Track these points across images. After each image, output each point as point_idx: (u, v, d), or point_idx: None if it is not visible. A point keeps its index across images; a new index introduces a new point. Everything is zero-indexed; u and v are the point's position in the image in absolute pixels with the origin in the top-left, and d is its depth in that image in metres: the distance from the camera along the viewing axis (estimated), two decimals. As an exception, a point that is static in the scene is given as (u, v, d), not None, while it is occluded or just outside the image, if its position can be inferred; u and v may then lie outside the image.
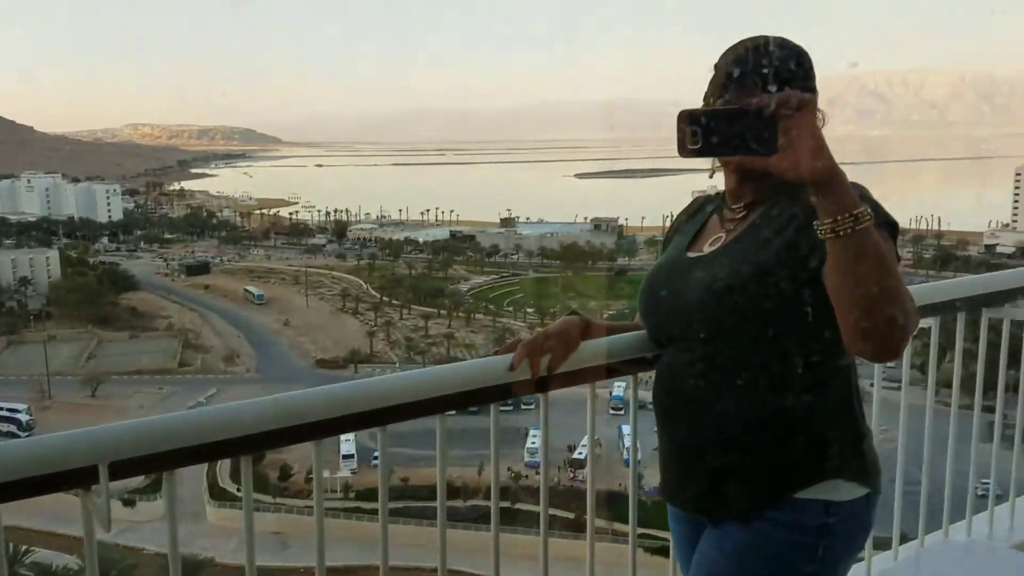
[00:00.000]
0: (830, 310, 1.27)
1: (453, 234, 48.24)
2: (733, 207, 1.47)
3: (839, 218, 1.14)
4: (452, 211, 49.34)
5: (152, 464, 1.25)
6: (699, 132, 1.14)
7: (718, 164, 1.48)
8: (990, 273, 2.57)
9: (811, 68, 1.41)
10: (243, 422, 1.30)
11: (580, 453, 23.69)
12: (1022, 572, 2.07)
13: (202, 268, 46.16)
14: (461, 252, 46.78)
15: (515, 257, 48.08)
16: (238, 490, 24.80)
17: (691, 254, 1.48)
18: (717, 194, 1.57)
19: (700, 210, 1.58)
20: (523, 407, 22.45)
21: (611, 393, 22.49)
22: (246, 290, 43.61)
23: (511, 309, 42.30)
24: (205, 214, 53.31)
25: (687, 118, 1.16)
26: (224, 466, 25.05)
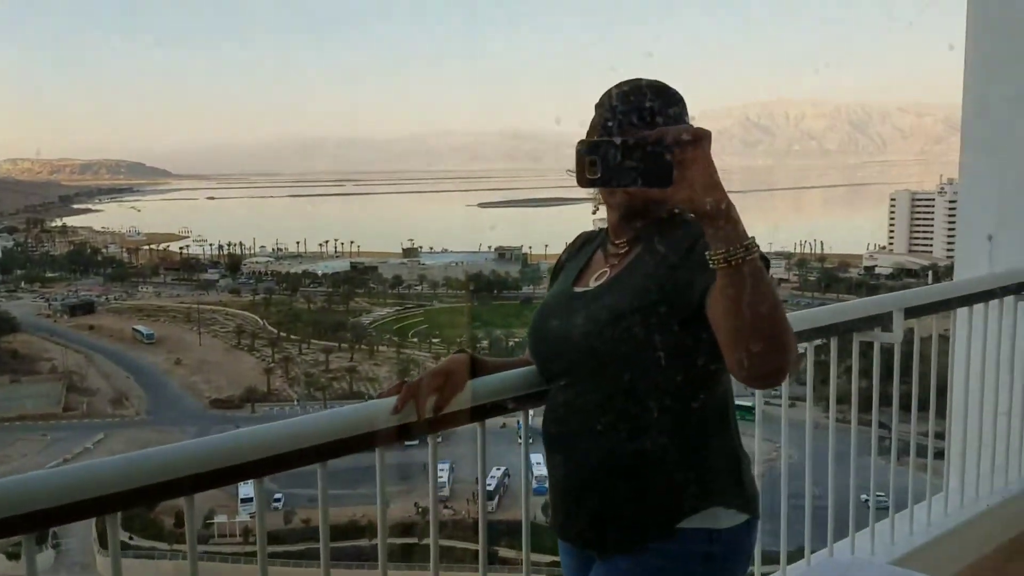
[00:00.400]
0: (709, 341, 1.31)
1: (354, 266, 47.52)
2: (616, 242, 1.50)
3: (731, 248, 1.16)
4: (352, 242, 48.57)
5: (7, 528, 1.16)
6: (598, 163, 1.17)
7: (600, 200, 1.52)
8: (858, 300, 2.73)
9: (685, 108, 1.47)
10: (106, 480, 1.23)
11: (489, 485, 23.65)
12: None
13: (87, 307, 43.98)
14: (362, 284, 46.11)
15: (419, 288, 47.76)
16: (130, 538, 23.74)
17: (577, 289, 1.52)
18: (601, 230, 1.60)
19: (585, 245, 1.61)
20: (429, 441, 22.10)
21: (518, 423, 22.60)
22: (135, 329, 41.75)
23: (416, 340, 41.92)
24: (89, 251, 50.82)
25: (587, 149, 1.18)
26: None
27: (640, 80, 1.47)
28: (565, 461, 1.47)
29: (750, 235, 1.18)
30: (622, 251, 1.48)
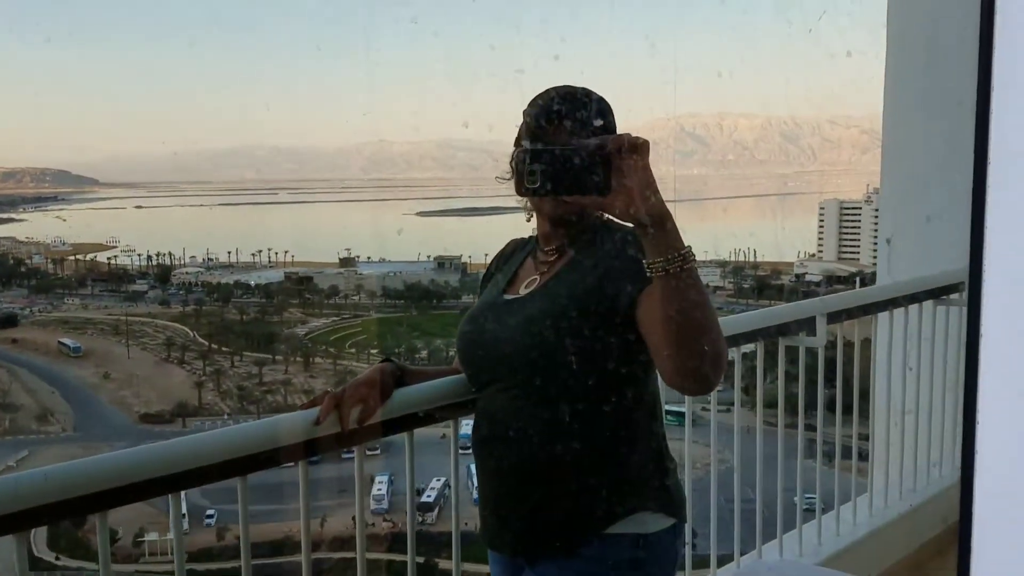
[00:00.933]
0: (637, 347, 1.34)
1: (288, 276, 46.84)
2: (545, 249, 1.52)
3: (669, 256, 1.18)
4: (287, 252, 47.83)
5: None
6: (537, 171, 1.18)
7: (532, 208, 1.52)
8: (783, 305, 2.85)
9: (612, 115, 1.48)
10: (6, 499, 1.17)
11: (429, 496, 23.45)
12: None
13: (9, 320, 42.36)
14: (297, 294, 45.47)
15: (356, 298, 47.31)
16: (56, 558, 22.89)
17: (507, 296, 1.53)
18: (531, 237, 1.62)
19: (516, 253, 1.62)
20: (368, 452, 21.74)
21: (460, 432, 22.46)
22: (60, 342, 40.37)
23: (353, 351, 41.47)
24: (12, 262, 48.99)
25: (525, 158, 1.20)
26: (39, 534, 22.97)
27: (569, 87, 1.47)
28: (494, 469, 1.47)
29: (686, 244, 1.19)
30: (552, 258, 1.50)
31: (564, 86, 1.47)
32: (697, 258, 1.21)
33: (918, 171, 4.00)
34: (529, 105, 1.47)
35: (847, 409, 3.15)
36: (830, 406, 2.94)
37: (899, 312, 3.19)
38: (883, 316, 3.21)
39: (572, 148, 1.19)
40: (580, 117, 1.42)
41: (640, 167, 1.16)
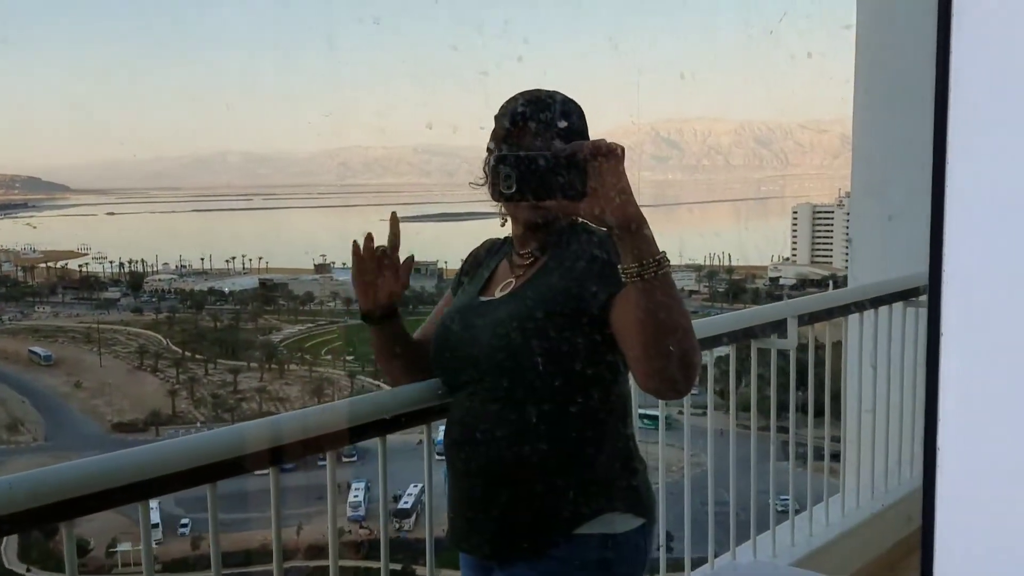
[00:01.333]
0: (609, 350, 1.35)
1: (263, 283, 46.48)
2: (521, 253, 1.53)
3: (644, 262, 1.18)
4: (261, 258, 47.50)
5: None
6: (513, 176, 1.18)
7: (506, 214, 1.54)
8: (755, 307, 2.86)
9: (584, 119, 1.49)
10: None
11: (406, 503, 23.32)
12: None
13: (-23, 329, 41.62)
14: (272, 301, 45.14)
15: (332, 304, 47.07)
16: (28, 570, 22.53)
17: (483, 298, 1.53)
18: (505, 239, 1.62)
19: (490, 255, 1.62)
20: (344, 460, 21.77)
21: (436, 439, 22.33)
22: (31, 351, 39.74)
23: (329, 358, 41.24)
24: (-20, 270, 48.16)
25: (501, 163, 1.19)
26: (10, 545, 22.64)
27: (540, 91, 1.48)
28: (464, 471, 1.48)
29: (661, 249, 1.19)
30: (527, 262, 1.51)
31: (535, 90, 1.47)
32: (671, 263, 1.20)
33: (884, 172, 4.06)
34: (501, 109, 1.47)
35: (820, 411, 3.15)
36: (803, 408, 2.95)
37: (868, 314, 3.23)
38: (853, 318, 3.26)
39: (547, 153, 1.19)
40: (552, 121, 1.41)
41: (615, 172, 1.16)
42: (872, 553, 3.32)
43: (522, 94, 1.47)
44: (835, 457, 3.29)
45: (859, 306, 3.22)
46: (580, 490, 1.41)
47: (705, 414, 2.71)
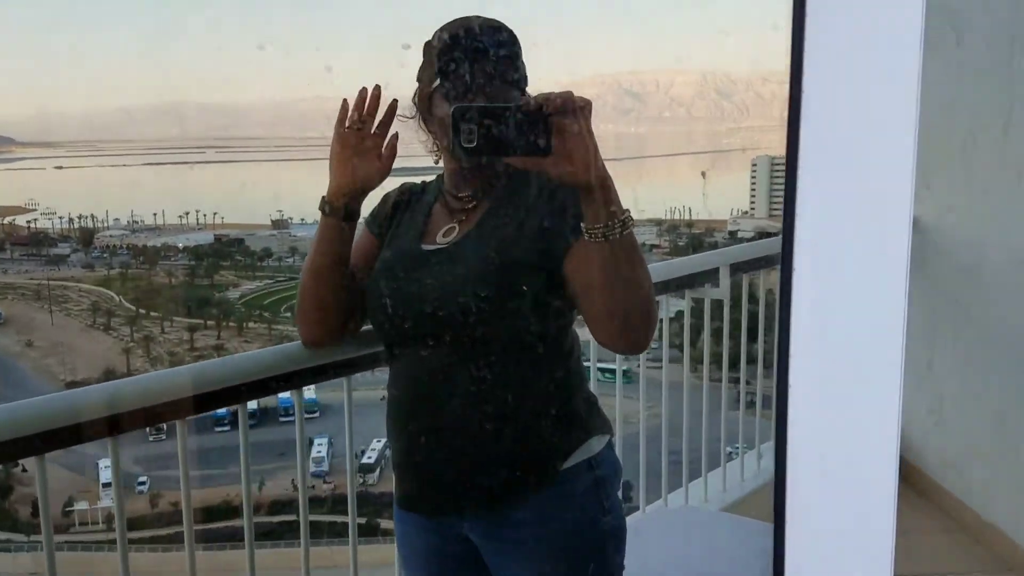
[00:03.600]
0: (565, 297, 1.34)
1: (218, 238, 46.04)
2: (460, 196, 1.46)
3: (610, 223, 1.16)
4: (216, 213, 46.92)
5: None
6: (475, 130, 1.12)
7: (439, 152, 1.47)
8: (686, 257, 2.97)
9: (520, 51, 1.41)
10: None
11: (369, 457, 23.49)
12: (725, 530, 2.31)
13: (-78, 288, 40.79)
14: (228, 257, 44.77)
15: (290, 260, 46.90)
16: (-27, 531, 22.34)
17: (427, 246, 1.45)
18: (426, 183, 1.57)
19: (415, 198, 1.55)
20: (306, 416, 21.52)
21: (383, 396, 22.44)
22: (-21, 310, 39.09)
23: (288, 315, 41.15)
24: (-77, 226, 47.11)
25: (462, 115, 1.13)
26: None
27: (481, 18, 1.37)
28: (430, 429, 1.43)
29: (625, 208, 1.19)
30: (469, 206, 1.44)
31: (476, 17, 1.37)
32: (634, 218, 1.20)
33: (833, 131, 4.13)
34: (435, 37, 1.38)
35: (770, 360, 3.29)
36: (752, 359, 3.14)
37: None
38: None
39: (512, 107, 1.13)
40: (506, 57, 1.35)
41: (582, 128, 1.12)
42: None
43: (465, 22, 1.36)
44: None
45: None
46: (562, 427, 1.43)
47: (661, 367, 2.77)
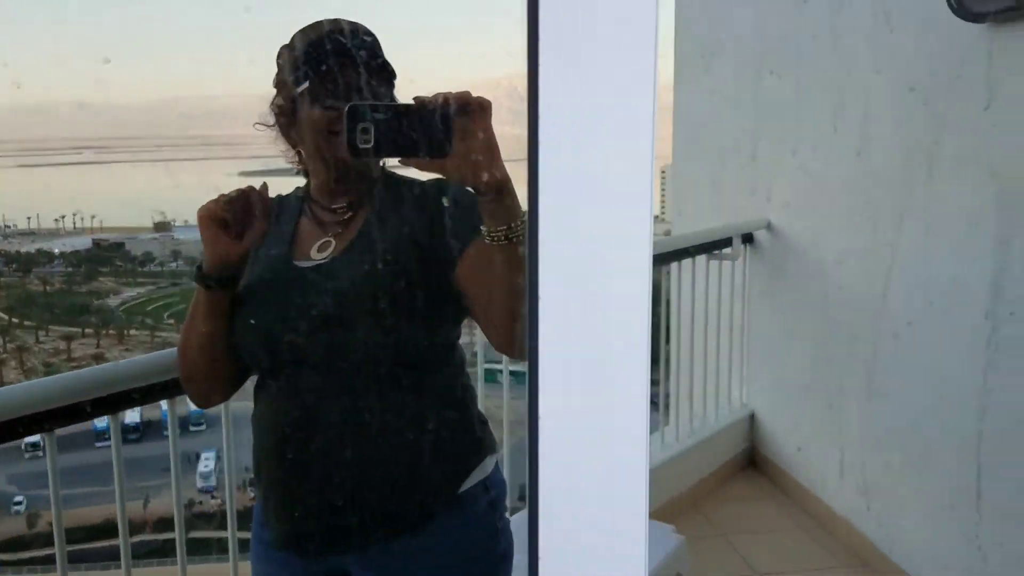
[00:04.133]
0: (454, 305, 1.30)
1: (97, 243, 43.80)
2: (334, 208, 1.38)
3: (512, 225, 1.13)
4: (94, 217, 44.60)
5: None
6: (371, 130, 1.06)
7: (302, 162, 1.40)
8: None
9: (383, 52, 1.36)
10: None
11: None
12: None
13: None
14: (108, 262, 42.61)
15: (174, 265, 44.99)
16: None
17: (300, 263, 1.36)
18: (286, 196, 1.47)
19: (274, 213, 1.41)
20: (192, 429, 20.69)
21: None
22: None
23: (172, 322, 39.53)
24: None
25: (356, 115, 1.07)
26: None
27: (338, 21, 1.32)
28: (312, 460, 1.33)
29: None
30: (345, 216, 1.37)
31: (332, 19, 1.31)
32: None
33: (703, 135, 4.37)
34: (296, 38, 1.30)
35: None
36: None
37: (687, 263, 3.58)
38: (673, 267, 3.59)
39: (412, 105, 1.08)
40: (373, 55, 1.30)
41: (483, 129, 1.08)
42: (679, 487, 3.59)
43: (322, 23, 1.31)
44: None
45: (678, 255, 3.49)
46: (458, 448, 1.39)
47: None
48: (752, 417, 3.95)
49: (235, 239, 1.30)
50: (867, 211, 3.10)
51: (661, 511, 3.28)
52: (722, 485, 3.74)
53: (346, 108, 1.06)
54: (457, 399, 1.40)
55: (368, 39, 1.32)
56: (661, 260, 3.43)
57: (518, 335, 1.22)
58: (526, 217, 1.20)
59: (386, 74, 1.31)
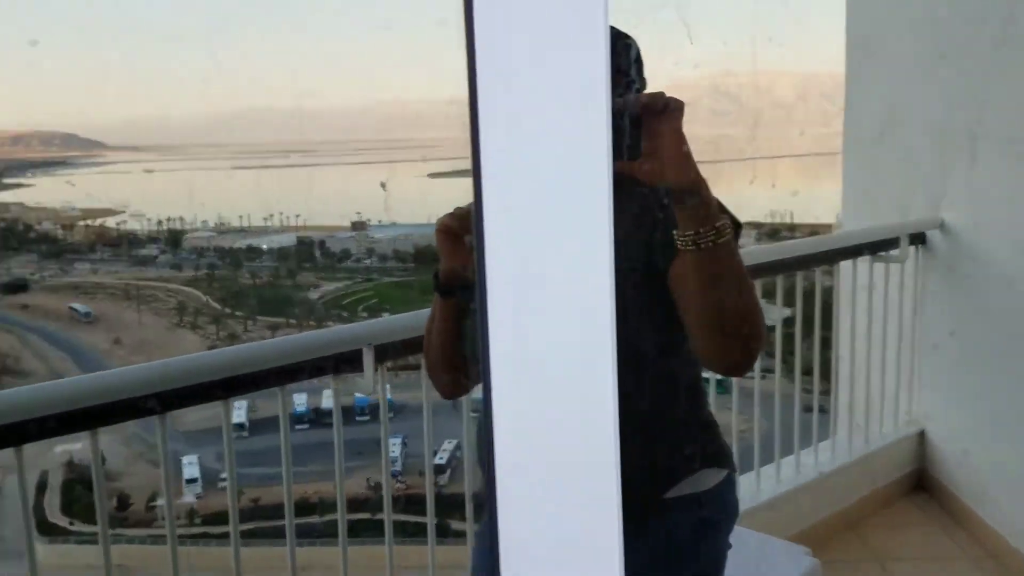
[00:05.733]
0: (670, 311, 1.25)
1: (300, 240, 47.44)
2: None
3: (701, 230, 1.11)
4: (298, 216, 48.31)
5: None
6: None
7: None
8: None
9: (641, 59, 1.32)
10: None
11: (440, 458, 23.43)
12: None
13: (20, 286, 42.97)
14: (310, 258, 46.06)
15: (368, 261, 47.73)
16: (71, 523, 23.08)
17: None
18: None
19: None
20: (357, 420, 21.78)
21: (472, 395, 22.25)
22: (71, 307, 40.89)
23: (365, 315, 41.67)
24: (21, 228, 49.63)
25: None
26: (53, 499, 23.35)
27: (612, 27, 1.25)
28: None
29: (725, 217, 1.14)
30: None
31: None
32: (737, 229, 1.17)
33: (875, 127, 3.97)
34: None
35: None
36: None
37: (855, 263, 3.44)
38: (845, 265, 3.42)
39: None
40: (635, 62, 1.29)
41: (672, 130, 1.08)
42: (842, 503, 3.35)
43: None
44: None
45: (848, 253, 3.32)
46: (667, 453, 1.36)
47: (765, 377, 2.78)
48: (922, 435, 3.66)
49: (468, 252, 1.34)
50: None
51: (813, 530, 3.11)
52: (884, 507, 3.51)
53: None
54: (675, 395, 1.34)
55: (630, 53, 1.29)
56: (817, 260, 3.24)
57: (711, 347, 1.19)
58: (723, 224, 1.12)
59: (638, 84, 1.29)
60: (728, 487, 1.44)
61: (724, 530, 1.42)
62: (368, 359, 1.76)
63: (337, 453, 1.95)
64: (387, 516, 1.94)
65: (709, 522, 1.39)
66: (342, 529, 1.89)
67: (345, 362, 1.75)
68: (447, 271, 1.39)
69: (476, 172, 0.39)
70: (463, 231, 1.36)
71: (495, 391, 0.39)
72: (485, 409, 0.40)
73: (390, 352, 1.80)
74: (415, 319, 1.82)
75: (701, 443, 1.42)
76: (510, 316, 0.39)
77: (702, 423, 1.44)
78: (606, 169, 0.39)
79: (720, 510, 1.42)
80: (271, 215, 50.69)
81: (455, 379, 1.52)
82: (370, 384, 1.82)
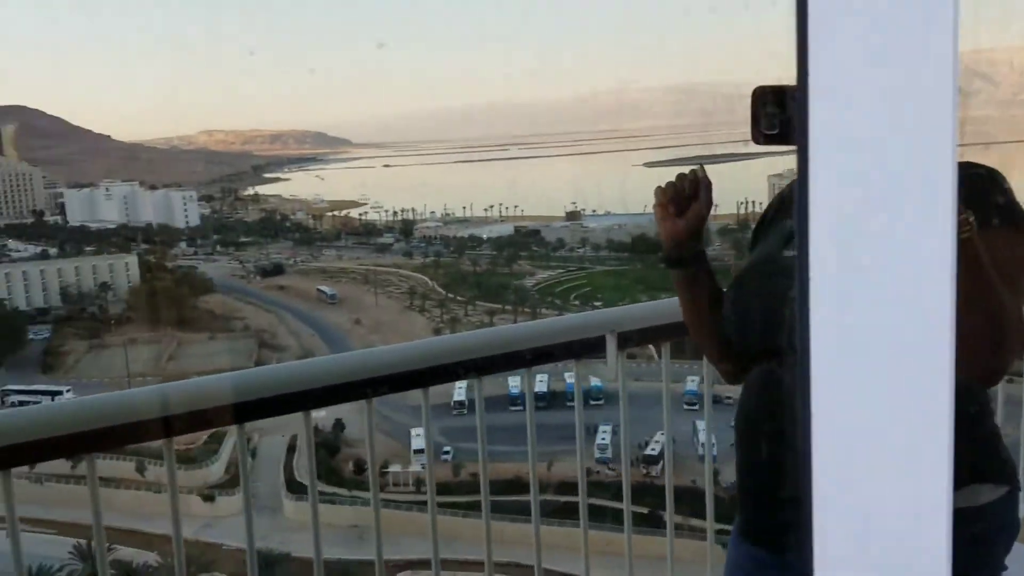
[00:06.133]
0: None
1: (517, 229, 48.03)
2: None
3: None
4: (516, 206, 49.03)
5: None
6: (776, 115, 0.99)
7: None
8: None
9: None
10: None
11: (653, 449, 23.22)
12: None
13: (276, 270, 47.10)
14: (526, 247, 46.58)
15: (581, 251, 47.64)
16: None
17: (790, 252, 1.32)
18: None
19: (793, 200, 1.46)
20: (592, 403, 20.62)
21: (685, 388, 22.07)
22: (319, 289, 44.36)
23: (577, 303, 42.13)
24: (279, 217, 54.26)
25: (762, 98, 1.00)
26: (301, 460, 25.40)
27: None
28: (765, 451, 1.29)
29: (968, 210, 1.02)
30: None
31: None
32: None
33: None
34: None
35: None
36: None
37: None
38: None
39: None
40: None
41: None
42: None
43: None
44: None
45: None
46: None
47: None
48: None
49: (678, 219, 1.34)
50: None
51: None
52: None
53: (752, 91, 1.00)
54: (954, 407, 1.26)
55: None
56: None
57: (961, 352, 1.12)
58: (965, 218, 1.00)
59: None
60: (1007, 504, 1.27)
61: (999, 550, 1.26)
62: (611, 345, 1.73)
63: (579, 437, 1.94)
64: (582, 500, 1.98)
65: (981, 539, 1.23)
66: (583, 513, 1.92)
67: (587, 348, 1.76)
68: (664, 242, 1.35)
69: (802, 158, 0.37)
70: (668, 201, 1.33)
71: (815, 390, 0.38)
72: (803, 406, 0.38)
73: (630, 339, 1.77)
74: (656, 308, 1.83)
75: (977, 456, 1.27)
76: (834, 312, 0.37)
77: (980, 434, 1.28)
78: (950, 155, 0.35)
79: (996, 527, 1.26)
80: (491, 206, 52.42)
81: (730, 361, 1.42)
82: (613, 369, 1.78)
